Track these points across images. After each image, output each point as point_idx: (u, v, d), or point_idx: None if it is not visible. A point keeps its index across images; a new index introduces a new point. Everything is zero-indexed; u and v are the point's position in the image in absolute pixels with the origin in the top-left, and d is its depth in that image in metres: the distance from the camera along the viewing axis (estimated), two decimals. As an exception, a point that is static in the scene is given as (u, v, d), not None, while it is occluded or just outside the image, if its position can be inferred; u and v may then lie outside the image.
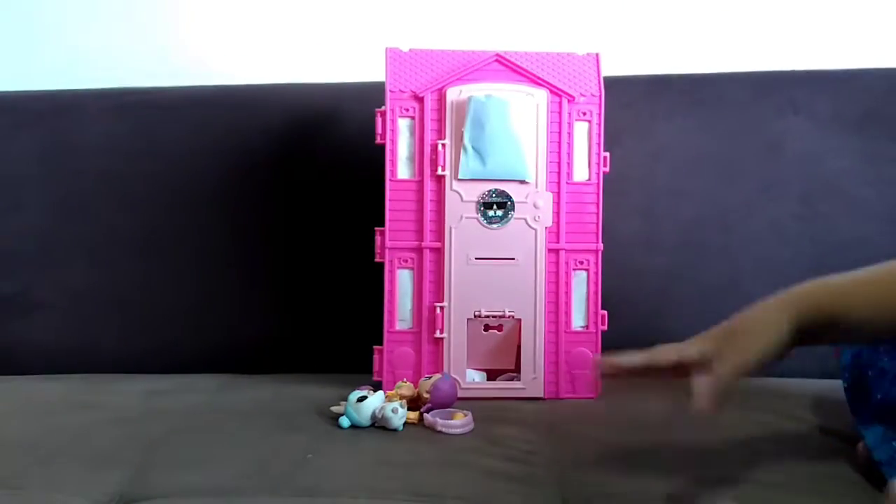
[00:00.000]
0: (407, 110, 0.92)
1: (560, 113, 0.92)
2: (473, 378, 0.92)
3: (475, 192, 0.91)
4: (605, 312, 0.93)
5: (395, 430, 0.78)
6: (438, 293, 0.92)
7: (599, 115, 0.92)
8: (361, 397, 0.79)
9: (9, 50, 1.26)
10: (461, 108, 0.90)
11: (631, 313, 1.00)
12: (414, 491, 0.64)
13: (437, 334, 0.91)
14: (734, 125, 1.06)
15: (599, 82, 0.93)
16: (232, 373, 1.01)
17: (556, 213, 0.92)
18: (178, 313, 1.07)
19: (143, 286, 1.07)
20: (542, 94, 0.92)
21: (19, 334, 1.07)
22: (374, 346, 0.93)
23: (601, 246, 0.93)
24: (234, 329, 1.06)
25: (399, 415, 0.78)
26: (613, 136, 0.95)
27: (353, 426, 0.79)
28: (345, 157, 1.05)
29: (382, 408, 0.78)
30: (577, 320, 0.93)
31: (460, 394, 0.86)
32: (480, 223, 0.91)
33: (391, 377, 0.91)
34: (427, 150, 0.91)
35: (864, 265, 1.01)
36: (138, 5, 1.25)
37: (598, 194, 0.93)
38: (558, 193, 0.92)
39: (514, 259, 0.92)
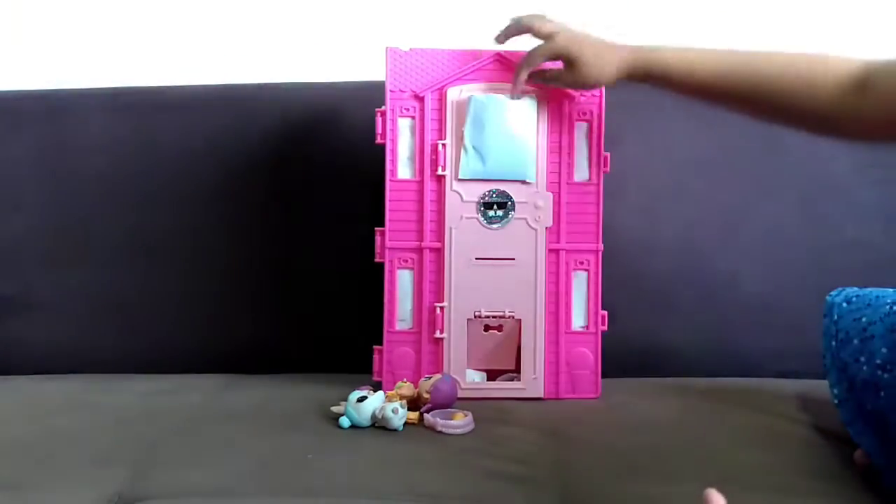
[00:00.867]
0: (407, 110, 0.92)
1: (560, 113, 0.92)
2: (473, 378, 0.92)
3: (475, 192, 0.91)
4: (606, 312, 0.93)
5: (395, 430, 0.78)
6: (438, 293, 0.92)
7: (600, 114, 0.92)
8: (361, 397, 0.79)
9: (8, 50, 1.26)
10: (461, 107, 0.90)
11: (631, 313, 1.00)
12: (414, 491, 0.64)
13: (437, 334, 0.91)
14: (734, 125, 1.05)
15: (600, 82, 0.93)
16: (232, 373, 1.01)
17: (557, 214, 0.92)
18: (177, 313, 1.06)
19: (143, 286, 1.07)
20: (542, 94, 0.91)
21: (19, 334, 1.07)
22: (374, 347, 0.93)
23: (601, 246, 0.93)
24: (234, 329, 1.06)
25: (399, 415, 0.78)
26: (613, 136, 0.95)
27: (353, 426, 0.79)
28: (345, 157, 1.05)
29: (382, 408, 0.78)
30: (577, 320, 0.93)
31: (460, 394, 0.86)
32: (481, 223, 0.91)
33: (391, 377, 0.91)
34: (427, 149, 0.91)
35: (863, 265, 1.02)
36: (138, 5, 1.25)
37: (598, 194, 0.93)
38: (558, 193, 0.92)
39: (514, 259, 0.92)
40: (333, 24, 1.23)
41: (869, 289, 0.72)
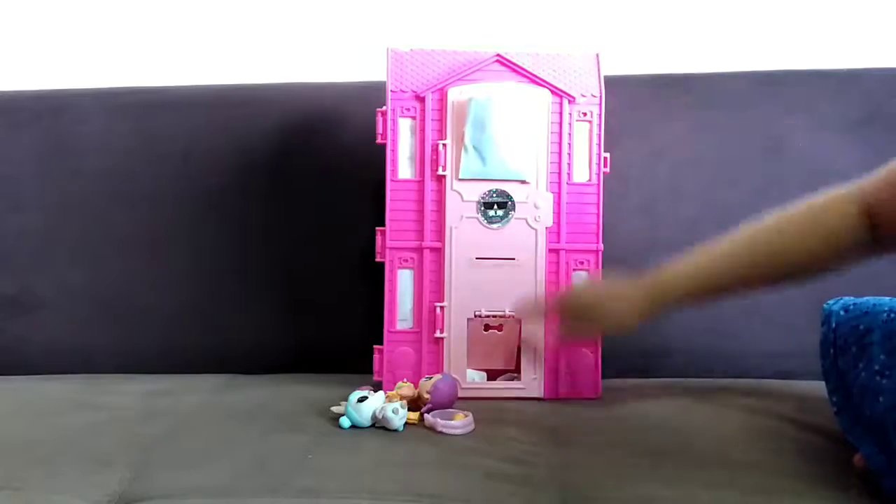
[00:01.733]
0: (408, 110, 0.92)
1: (560, 113, 0.92)
2: (473, 378, 0.92)
3: (476, 192, 0.91)
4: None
5: (395, 430, 0.78)
6: (439, 293, 0.92)
7: (600, 115, 0.92)
8: (362, 397, 0.79)
9: (8, 50, 1.26)
10: (462, 108, 0.90)
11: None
12: (414, 491, 0.64)
13: (438, 334, 0.91)
14: (734, 125, 1.06)
15: (600, 82, 0.93)
16: (232, 373, 1.01)
17: (557, 214, 0.92)
18: (178, 313, 1.07)
19: (143, 286, 1.07)
20: (542, 95, 0.92)
21: (19, 334, 1.07)
22: (375, 346, 0.93)
23: (601, 246, 0.93)
24: (234, 329, 1.06)
25: (399, 415, 0.78)
26: (613, 136, 0.95)
27: (354, 426, 0.79)
28: (346, 156, 1.05)
29: (383, 408, 0.78)
30: (578, 320, 0.93)
31: (460, 394, 0.86)
32: (481, 223, 0.91)
33: (391, 377, 0.91)
34: (428, 150, 0.91)
35: (863, 265, 1.02)
36: (138, 5, 1.25)
37: (598, 195, 0.93)
38: (559, 194, 0.92)
39: (514, 259, 0.92)
40: (334, 24, 1.23)
41: (866, 298, 0.73)
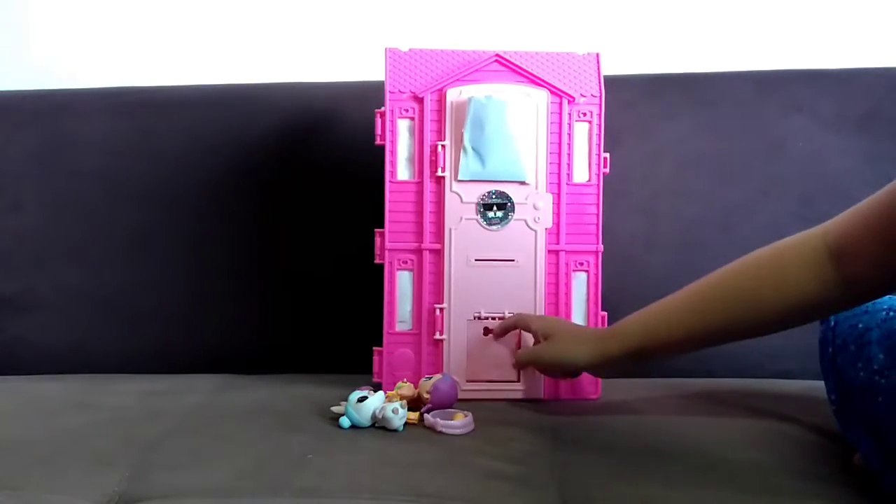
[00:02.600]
0: (407, 111, 0.92)
1: (560, 113, 0.92)
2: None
3: (475, 193, 0.91)
4: (606, 313, 0.93)
5: (395, 430, 0.78)
6: (438, 294, 0.92)
7: (599, 115, 0.92)
8: (362, 398, 0.79)
9: (7, 50, 1.26)
10: (461, 108, 0.90)
11: (631, 313, 1.00)
12: (414, 491, 0.64)
13: (437, 336, 0.91)
14: (735, 125, 1.06)
15: (600, 82, 0.93)
16: (232, 373, 1.01)
17: (556, 215, 0.92)
18: (177, 313, 1.07)
19: (143, 286, 1.07)
20: (542, 95, 0.92)
21: (19, 334, 1.07)
22: (374, 348, 0.93)
23: (601, 247, 0.93)
24: (234, 329, 1.06)
25: (399, 415, 0.78)
26: (613, 136, 0.95)
27: (354, 426, 0.79)
28: (344, 157, 1.05)
29: (383, 408, 0.78)
30: (577, 321, 0.93)
31: (460, 394, 0.86)
32: (480, 224, 0.91)
33: (391, 378, 0.90)
34: (427, 151, 0.91)
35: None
36: (138, 5, 1.25)
37: (598, 195, 0.93)
38: (558, 194, 0.92)
39: (513, 260, 0.92)
40: (333, 24, 1.23)
41: None
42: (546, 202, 0.92)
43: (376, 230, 0.92)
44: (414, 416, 0.80)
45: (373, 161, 0.93)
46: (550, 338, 0.84)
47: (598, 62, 0.94)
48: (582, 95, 0.92)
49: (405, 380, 0.87)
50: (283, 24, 1.23)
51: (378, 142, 0.91)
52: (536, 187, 0.91)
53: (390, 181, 0.92)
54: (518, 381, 0.92)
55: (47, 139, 1.10)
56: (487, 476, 0.68)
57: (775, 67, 1.09)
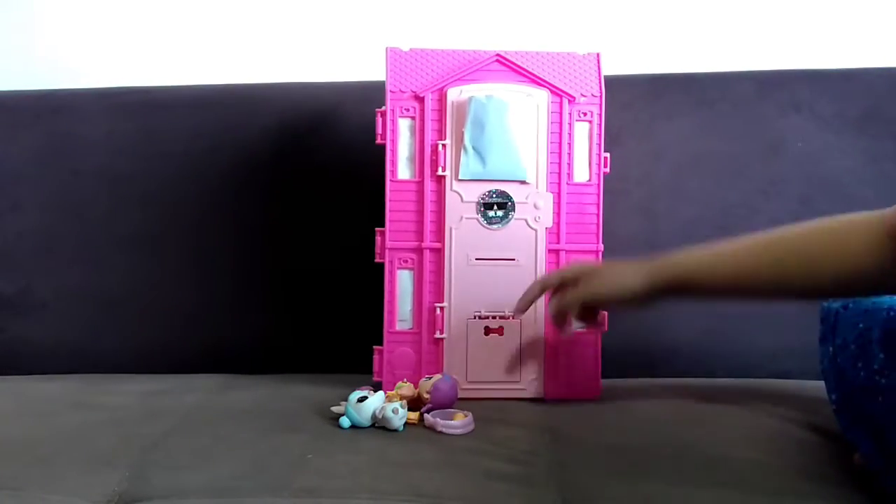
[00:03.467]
0: (407, 110, 0.92)
1: (560, 113, 0.92)
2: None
3: (475, 192, 0.91)
4: (606, 312, 0.93)
5: (395, 430, 0.78)
6: (438, 294, 0.92)
7: (600, 115, 0.92)
8: (362, 397, 0.79)
9: (8, 50, 1.26)
10: (462, 108, 0.90)
11: (631, 314, 1.00)
12: (414, 491, 0.64)
13: (437, 335, 0.91)
14: (735, 124, 1.06)
15: (600, 82, 0.93)
16: (232, 373, 1.01)
17: (557, 214, 0.92)
18: (177, 313, 1.07)
19: (143, 286, 1.07)
20: (542, 95, 0.92)
21: (19, 334, 1.07)
22: (374, 347, 0.93)
23: (601, 247, 0.93)
24: (234, 329, 1.06)
25: (399, 415, 0.78)
26: (613, 136, 0.95)
27: (354, 426, 0.79)
28: (345, 157, 1.05)
29: (383, 408, 0.78)
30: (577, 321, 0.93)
31: (460, 394, 0.86)
32: (481, 224, 0.91)
33: (391, 377, 0.91)
34: (427, 150, 0.91)
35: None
36: (138, 5, 1.25)
37: (598, 195, 0.93)
38: (558, 194, 0.92)
39: (514, 259, 0.92)
40: (333, 24, 1.23)
41: None
42: (546, 201, 0.92)
43: (377, 229, 0.92)
44: (414, 416, 0.80)
45: (373, 160, 0.93)
46: (593, 274, 0.81)
47: (598, 62, 0.94)
48: (582, 95, 0.92)
49: (405, 380, 0.87)
50: (284, 23, 1.23)
51: (378, 141, 0.91)
52: (537, 187, 0.91)
53: (391, 180, 0.92)
54: (518, 380, 0.92)
55: (48, 139, 1.10)
56: (487, 476, 0.68)
57: (775, 67, 1.09)
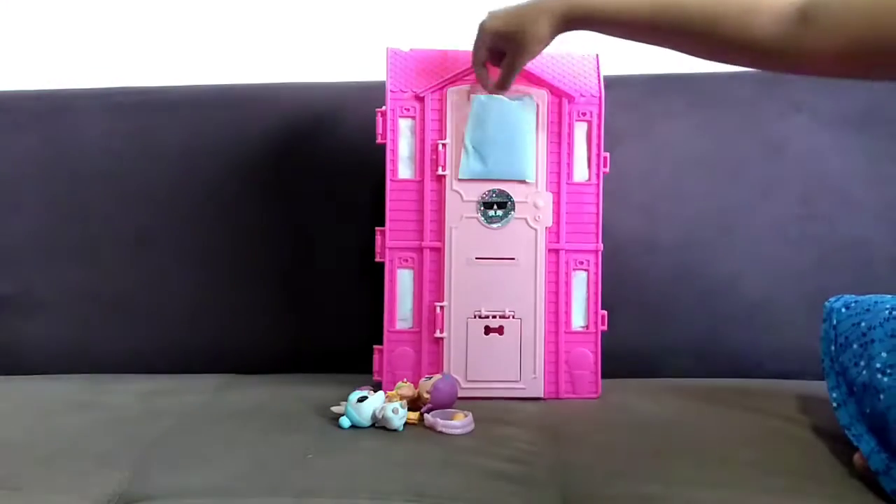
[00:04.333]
0: (408, 110, 0.92)
1: (560, 113, 0.92)
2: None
3: (476, 191, 0.91)
4: (605, 312, 0.93)
5: (395, 430, 0.78)
6: (439, 293, 0.92)
7: (599, 115, 0.92)
8: (362, 397, 0.79)
9: (8, 50, 1.26)
10: (461, 108, 0.90)
11: (631, 313, 1.00)
12: (414, 491, 0.64)
13: (438, 334, 0.91)
14: (735, 124, 1.06)
15: (599, 82, 0.93)
16: (232, 373, 1.02)
17: (557, 213, 0.92)
18: (177, 313, 1.07)
19: (143, 286, 1.07)
20: (542, 95, 0.92)
21: (19, 334, 1.07)
22: (375, 346, 0.93)
23: (601, 246, 0.93)
24: (234, 329, 1.06)
25: (399, 415, 0.78)
26: (613, 136, 0.95)
27: (354, 426, 0.79)
28: (345, 156, 1.05)
29: (383, 408, 0.78)
30: (577, 320, 0.93)
31: (460, 394, 0.86)
32: (481, 223, 0.91)
33: (391, 377, 0.91)
34: (428, 150, 0.91)
35: (864, 265, 1.02)
36: (138, 5, 1.25)
37: (598, 194, 0.93)
38: (558, 193, 0.92)
39: (514, 259, 0.92)
40: (333, 24, 1.23)
41: (867, 295, 0.73)
42: (546, 201, 0.92)
43: (377, 228, 0.92)
44: (414, 416, 0.80)
45: (374, 160, 0.93)
46: (511, 37, 0.84)
47: (597, 62, 0.94)
48: (582, 95, 0.92)
49: (405, 379, 0.87)
50: (284, 24, 1.23)
51: (379, 141, 0.91)
52: (537, 186, 0.92)
53: (391, 180, 0.92)
54: (519, 380, 0.92)
55: (47, 139, 1.10)
56: (487, 476, 0.68)
57: (775, 67, 1.09)
